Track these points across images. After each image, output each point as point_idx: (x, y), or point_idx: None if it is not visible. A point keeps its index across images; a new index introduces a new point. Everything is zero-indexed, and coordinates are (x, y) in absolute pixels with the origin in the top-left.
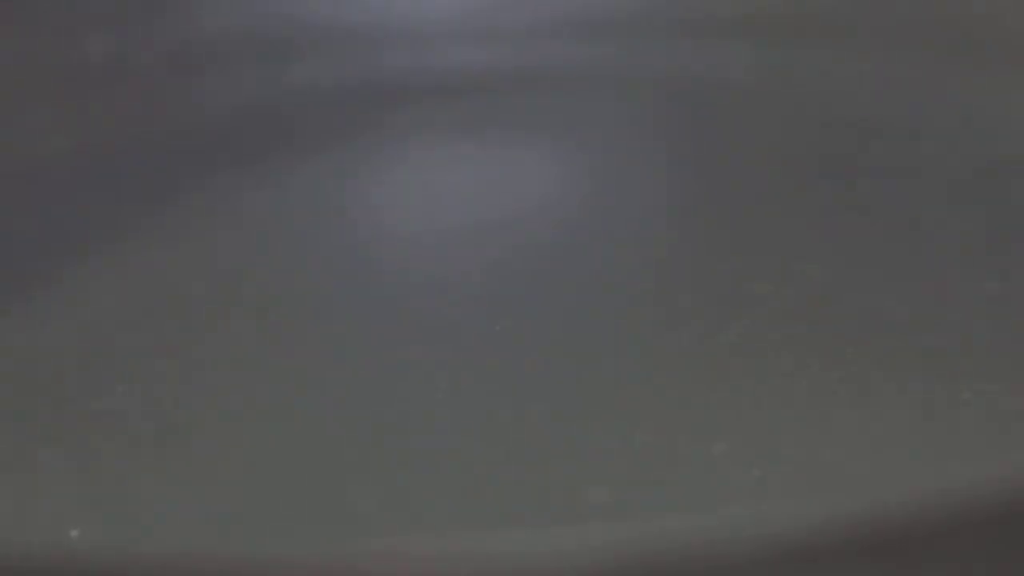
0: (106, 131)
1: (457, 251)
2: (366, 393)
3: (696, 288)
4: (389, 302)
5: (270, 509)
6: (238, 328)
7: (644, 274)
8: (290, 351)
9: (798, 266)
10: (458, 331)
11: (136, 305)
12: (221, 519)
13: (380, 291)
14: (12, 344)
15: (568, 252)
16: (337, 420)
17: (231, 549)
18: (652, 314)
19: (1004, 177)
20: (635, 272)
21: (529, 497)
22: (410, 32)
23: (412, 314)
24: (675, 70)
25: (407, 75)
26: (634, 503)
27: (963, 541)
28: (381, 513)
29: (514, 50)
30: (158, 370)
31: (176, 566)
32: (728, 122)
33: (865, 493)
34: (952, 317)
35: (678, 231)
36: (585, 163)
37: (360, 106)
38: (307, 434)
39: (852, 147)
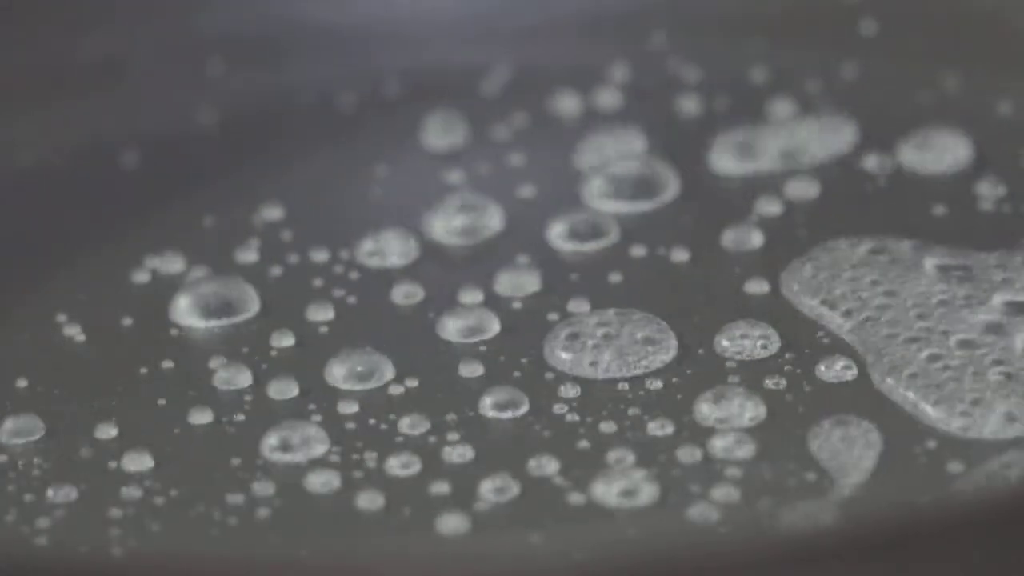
0: (105, 131)
1: (457, 250)
2: (366, 392)
3: (697, 287)
4: (388, 302)
5: (271, 509)
6: (238, 327)
7: (646, 273)
8: (289, 350)
9: (796, 266)
10: (456, 331)
11: (136, 305)
12: (221, 519)
13: (379, 291)
14: (12, 343)
15: (568, 251)
16: (337, 419)
17: (231, 549)
18: (651, 311)
19: (1003, 177)
20: (637, 271)
21: (529, 497)
22: (410, 32)
23: (411, 314)
24: (676, 70)
25: (407, 75)
26: (634, 503)
27: (962, 541)
28: (382, 514)
29: (514, 50)
30: (158, 371)
31: (176, 566)
32: (727, 121)
33: (864, 494)
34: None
35: (677, 230)
36: (584, 163)
37: (359, 106)
38: (307, 433)
39: (851, 146)
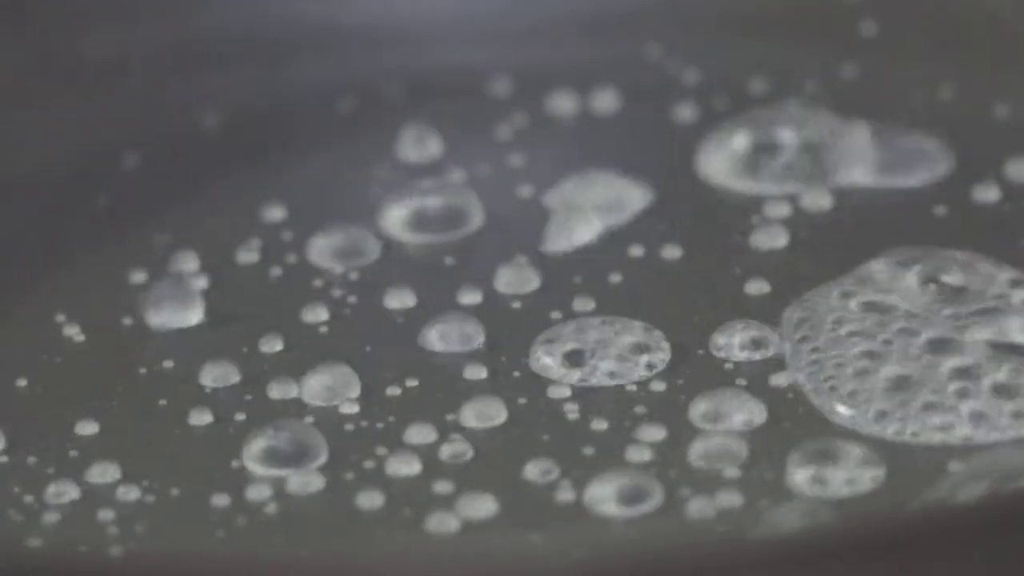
0: (106, 131)
1: (457, 251)
2: (366, 392)
3: (697, 288)
4: (388, 302)
5: (271, 509)
6: (237, 327)
7: (647, 273)
8: (287, 351)
9: (796, 267)
10: (457, 331)
11: (137, 304)
12: (221, 519)
13: (379, 291)
14: (12, 343)
15: (568, 250)
16: (336, 419)
17: (231, 549)
18: (651, 311)
19: (1002, 179)
20: (638, 271)
21: (528, 498)
22: (410, 32)
23: (410, 314)
24: (676, 70)
25: (407, 75)
26: (633, 503)
27: (962, 541)
28: (382, 514)
29: (514, 50)
30: (158, 371)
31: (176, 566)
32: (728, 121)
33: (866, 494)
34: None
35: (677, 231)
36: (584, 163)
37: (360, 106)
38: (307, 433)
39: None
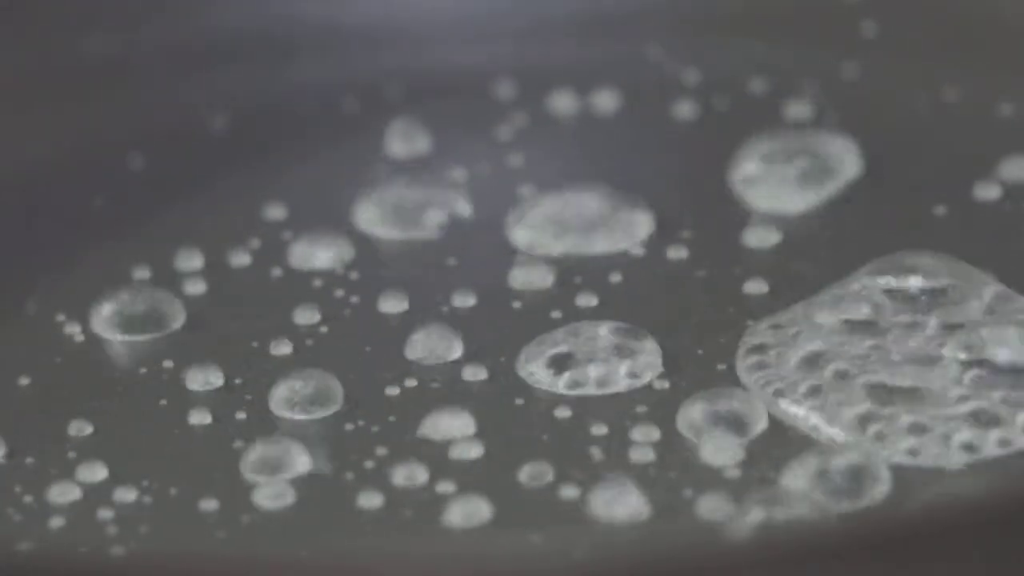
0: (106, 131)
1: (457, 250)
2: (367, 392)
3: (695, 288)
4: (389, 302)
5: (270, 510)
6: (237, 327)
7: (645, 274)
8: (288, 351)
9: (796, 267)
10: (457, 329)
11: (137, 305)
12: (220, 519)
13: (377, 292)
14: (12, 342)
15: (568, 251)
16: (336, 420)
17: (231, 549)
18: (650, 312)
19: (1002, 179)
20: (636, 271)
21: (530, 498)
22: (410, 32)
23: (411, 313)
24: (675, 70)
25: (407, 75)
26: (633, 504)
27: (962, 541)
28: (382, 513)
29: (514, 50)
30: (158, 371)
31: (176, 566)
32: (729, 122)
33: (867, 493)
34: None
35: (677, 231)
36: (585, 163)
37: (359, 106)
38: (307, 434)
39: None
